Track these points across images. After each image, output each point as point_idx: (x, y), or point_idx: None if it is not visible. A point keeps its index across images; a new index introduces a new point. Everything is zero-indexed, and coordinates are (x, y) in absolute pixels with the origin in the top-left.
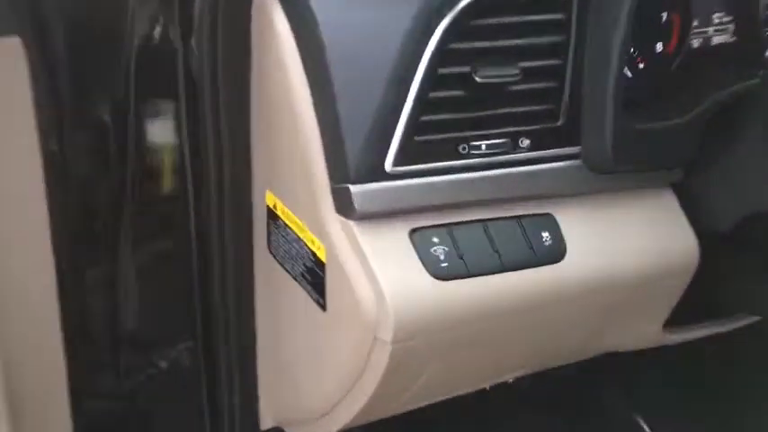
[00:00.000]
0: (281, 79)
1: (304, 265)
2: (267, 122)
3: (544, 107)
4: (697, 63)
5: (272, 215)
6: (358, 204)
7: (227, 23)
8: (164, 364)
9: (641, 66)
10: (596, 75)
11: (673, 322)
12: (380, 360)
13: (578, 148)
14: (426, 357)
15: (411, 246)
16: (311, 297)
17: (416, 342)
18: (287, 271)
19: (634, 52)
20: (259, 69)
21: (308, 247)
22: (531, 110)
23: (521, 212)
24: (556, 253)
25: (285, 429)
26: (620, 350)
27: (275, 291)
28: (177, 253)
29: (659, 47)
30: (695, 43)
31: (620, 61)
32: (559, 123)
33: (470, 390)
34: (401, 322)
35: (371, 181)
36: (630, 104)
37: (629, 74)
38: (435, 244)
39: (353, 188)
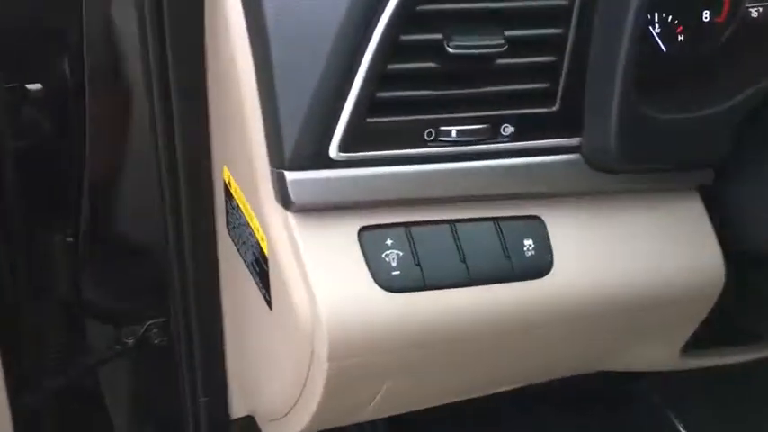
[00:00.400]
0: (227, 47)
1: (253, 254)
2: (218, 95)
3: (536, 87)
4: (750, 39)
5: (227, 193)
6: (294, 194)
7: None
8: (131, 341)
9: (681, 38)
10: (606, 45)
11: (692, 344)
12: (318, 376)
13: (578, 139)
14: (376, 376)
15: (359, 248)
16: (260, 291)
17: (361, 360)
18: (242, 257)
19: (674, 21)
20: (212, 39)
21: (255, 236)
22: (519, 90)
23: (500, 214)
24: (539, 266)
25: (257, 421)
26: (630, 369)
27: (236, 275)
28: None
29: (706, 15)
30: (754, 13)
31: (635, 27)
32: (555, 108)
33: (461, 399)
34: (338, 338)
35: (312, 168)
36: (653, 86)
37: (664, 48)
38: (388, 247)
39: (289, 175)
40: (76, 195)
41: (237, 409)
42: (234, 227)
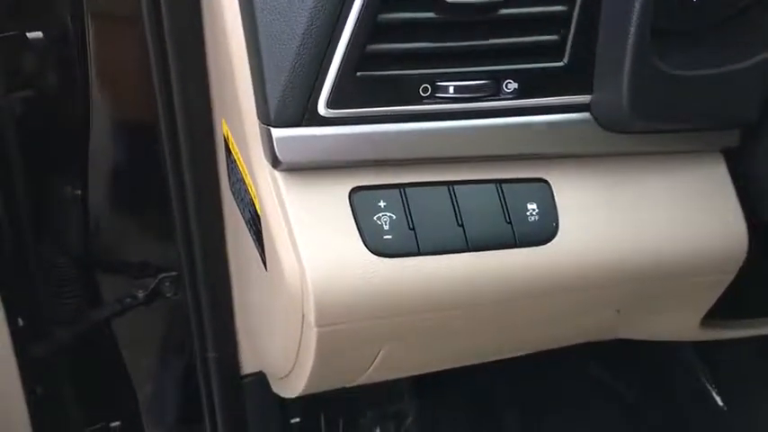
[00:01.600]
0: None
1: (249, 211)
2: (214, 47)
3: (543, 39)
4: None
5: (227, 148)
6: (281, 152)
7: None
8: (141, 294)
9: None
10: None
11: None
12: (310, 341)
13: (589, 96)
14: (370, 342)
15: (350, 209)
16: (257, 250)
17: (352, 326)
18: (241, 214)
19: None
20: None
21: (249, 193)
22: (524, 42)
23: (502, 176)
24: (543, 232)
25: (267, 377)
26: (650, 339)
27: (238, 232)
28: (149, 180)
29: None
30: None
31: None
32: (563, 62)
33: (467, 363)
34: (326, 303)
35: (300, 125)
36: (672, 39)
37: None
38: (381, 209)
39: (276, 132)
40: (83, 147)
41: (248, 366)
42: (233, 182)
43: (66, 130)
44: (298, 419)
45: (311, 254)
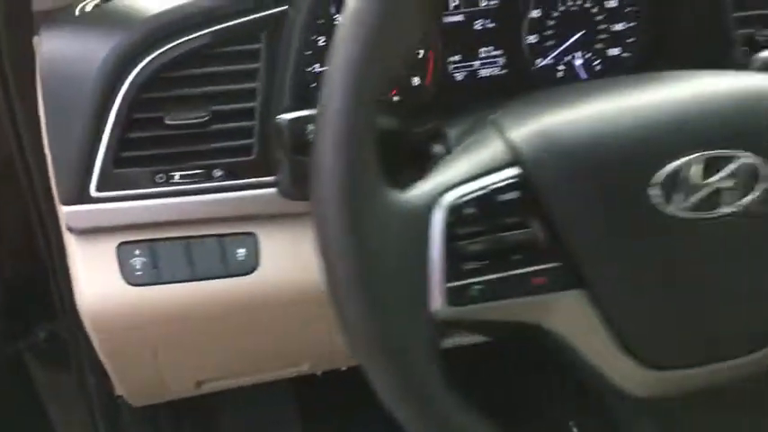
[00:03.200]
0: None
1: None
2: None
3: (237, 143)
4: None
5: None
6: (68, 222)
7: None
8: (42, 335)
9: (396, 98)
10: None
11: None
12: (97, 345)
13: (273, 177)
14: (143, 344)
15: (116, 257)
16: None
17: (122, 333)
18: None
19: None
20: None
21: None
22: (224, 145)
23: (224, 231)
24: (247, 267)
25: None
26: None
27: None
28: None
29: (416, 80)
30: (458, 76)
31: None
32: (252, 157)
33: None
34: (95, 320)
35: (80, 203)
36: None
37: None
38: (136, 256)
39: (64, 209)
40: None
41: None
42: None
43: None
44: None
45: (85, 287)
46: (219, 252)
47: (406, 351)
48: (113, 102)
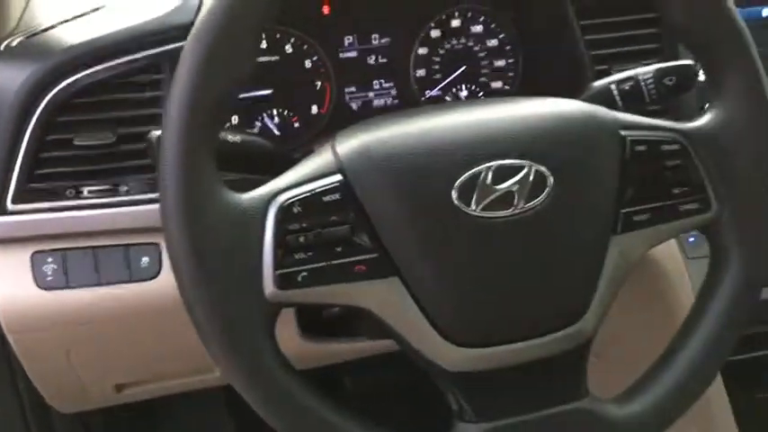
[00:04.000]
0: None
1: None
2: None
3: (141, 162)
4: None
5: None
6: None
7: None
8: None
9: (296, 125)
10: None
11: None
12: (13, 347)
13: None
14: (56, 344)
15: (30, 265)
16: None
17: (33, 337)
18: None
19: (289, 113)
20: None
21: None
22: (129, 165)
23: (131, 242)
24: (150, 272)
25: None
26: None
27: None
28: None
29: (314, 109)
30: (354, 105)
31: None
32: (155, 174)
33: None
34: (8, 321)
35: None
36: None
37: (278, 132)
38: (48, 263)
39: None
40: None
41: None
42: None
43: None
44: None
45: (4, 289)
46: (124, 260)
47: (245, 328)
48: (28, 124)
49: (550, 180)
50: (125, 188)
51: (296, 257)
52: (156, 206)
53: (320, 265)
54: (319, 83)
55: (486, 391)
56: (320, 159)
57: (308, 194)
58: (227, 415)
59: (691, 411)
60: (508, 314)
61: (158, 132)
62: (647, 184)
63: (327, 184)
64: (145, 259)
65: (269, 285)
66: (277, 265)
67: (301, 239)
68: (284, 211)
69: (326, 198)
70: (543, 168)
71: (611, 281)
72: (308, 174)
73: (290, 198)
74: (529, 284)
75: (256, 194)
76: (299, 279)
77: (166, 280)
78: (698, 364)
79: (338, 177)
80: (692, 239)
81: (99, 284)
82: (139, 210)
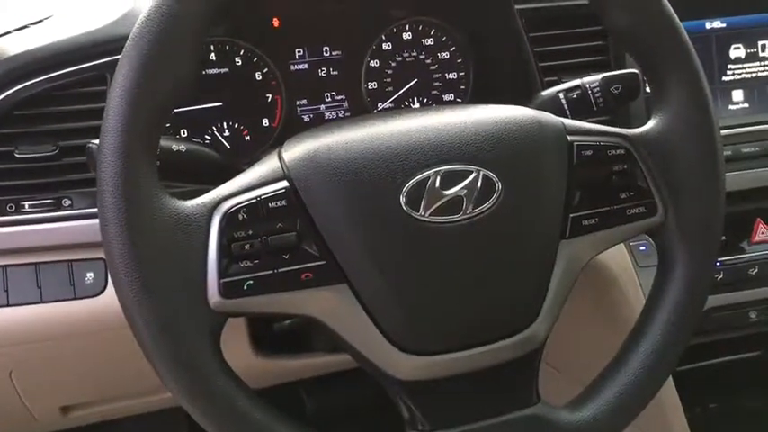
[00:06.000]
0: None
1: None
2: None
3: (83, 176)
4: None
5: None
6: None
7: None
8: None
9: (247, 138)
10: None
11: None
12: None
13: None
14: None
15: None
16: None
17: None
18: None
19: (240, 126)
20: None
21: None
22: (72, 178)
23: (75, 257)
24: (95, 289)
25: None
26: None
27: None
28: None
29: (266, 122)
30: (306, 118)
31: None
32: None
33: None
34: None
35: None
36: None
37: (228, 145)
38: None
39: None
40: None
41: None
42: None
43: None
44: None
45: None
46: (68, 276)
47: (189, 339)
48: None
49: (499, 185)
50: (68, 202)
51: (241, 265)
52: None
53: (266, 273)
54: (270, 95)
55: (438, 399)
56: (266, 166)
57: (253, 201)
58: None
59: (646, 419)
60: (458, 321)
61: (96, 142)
62: (594, 189)
63: (273, 191)
64: (89, 275)
65: (213, 294)
66: (222, 273)
67: (247, 247)
68: (229, 218)
69: (272, 204)
70: (492, 174)
71: (560, 285)
72: (254, 180)
73: (236, 205)
74: (478, 290)
75: (200, 201)
76: (245, 287)
77: (112, 296)
78: (648, 369)
79: (284, 184)
80: (643, 248)
81: (42, 302)
82: (83, 224)
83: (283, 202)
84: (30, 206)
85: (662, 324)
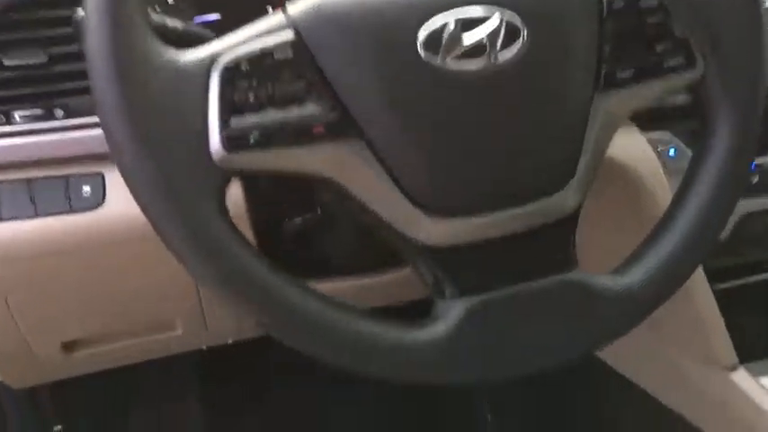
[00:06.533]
0: None
1: None
2: None
3: (77, 84)
4: None
5: None
6: None
7: None
8: None
9: None
10: None
11: None
12: None
13: None
14: None
15: None
16: None
17: None
18: None
19: None
20: None
21: None
22: (65, 87)
23: (70, 172)
24: (92, 203)
25: None
26: None
27: None
28: None
29: None
30: None
31: None
32: None
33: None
34: None
35: None
36: None
37: None
38: None
39: None
40: None
41: None
42: None
43: None
44: (59, 427)
45: None
46: (63, 190)
47: (193, 198)
48: None
49: (524, 32)
50: (61, 113)
51: (245, 116)
52: (96, 131)
53: (274, 124)
54: (270, 6)
55: (466, 263)
56: (269, 19)
57: (257, 52)
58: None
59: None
60: (485, 178)
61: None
62: (627, 41)
63: (277, 42)
64: (86, 188)
65: (216, 148)
66: (224, 124)
67: (251, 97)
68: (231, 69)
69: (278, 56)
70: (516, 18)
71: (596, 144)
72: (256, 32)
73: (238, 55)
74: (507, 146)
75: (201, 50)
76: (251, 140)
77: (110, 209)
78: (691, 235)
79: (290, 34)
80: (671, 153)
81: (36, 216)
82: (77, 135)
83: (289, 53)
84: (20, 117)
85: (708, 182)
